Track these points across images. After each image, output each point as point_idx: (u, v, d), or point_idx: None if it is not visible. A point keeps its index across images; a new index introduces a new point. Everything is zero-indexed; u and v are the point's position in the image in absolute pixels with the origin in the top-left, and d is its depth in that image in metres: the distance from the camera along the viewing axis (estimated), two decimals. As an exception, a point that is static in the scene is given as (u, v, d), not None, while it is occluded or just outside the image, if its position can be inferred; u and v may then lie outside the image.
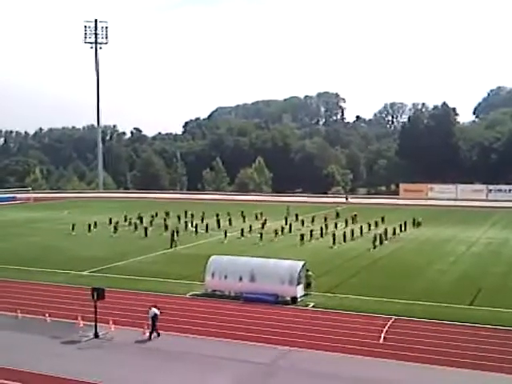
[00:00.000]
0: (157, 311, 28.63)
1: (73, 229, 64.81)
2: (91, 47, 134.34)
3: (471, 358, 25.36)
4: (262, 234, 58.19)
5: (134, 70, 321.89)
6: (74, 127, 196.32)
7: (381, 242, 54.88)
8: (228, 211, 75.19)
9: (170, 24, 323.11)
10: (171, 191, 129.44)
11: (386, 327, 29.60)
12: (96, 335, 28.32)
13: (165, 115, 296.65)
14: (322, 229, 61.12)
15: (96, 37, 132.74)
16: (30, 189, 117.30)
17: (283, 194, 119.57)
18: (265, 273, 35.54)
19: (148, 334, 28.25)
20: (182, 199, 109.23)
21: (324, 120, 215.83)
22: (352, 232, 59.37)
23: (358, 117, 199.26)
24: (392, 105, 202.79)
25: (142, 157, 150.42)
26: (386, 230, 59.16)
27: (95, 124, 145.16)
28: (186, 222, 69.36)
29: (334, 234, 56.73)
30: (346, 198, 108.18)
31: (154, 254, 51.66)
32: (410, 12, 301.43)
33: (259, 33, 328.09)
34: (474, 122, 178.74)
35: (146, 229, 63.31)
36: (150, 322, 28.53)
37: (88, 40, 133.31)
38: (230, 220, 70.39)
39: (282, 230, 61.67)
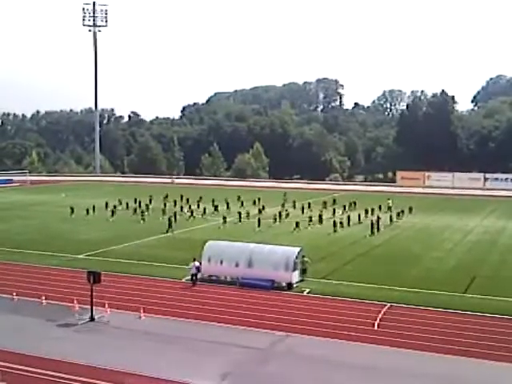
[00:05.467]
0: (198, 264, 35.51)
1: (72, 212, 64.84)
2: (90, 30, 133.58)
3: (465, 345, 25.53)
4: (259, 220, 58.26)
5: (132, 53, 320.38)
6: (71, 110, 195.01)
7: (378, 229, 55.02)
8: (225, 197, 75.20)
9: (169, 8, 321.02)
10: (168, 176, 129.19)
11: (381, 314, 29.76)
12: (92, 318, 28.40)
13: (163, 99, 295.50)
14: (320, 215, 61.22)
15: (94, 20, 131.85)
16: (26, 172, 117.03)
17: (281, 181, 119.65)
18: (261, 258, 35.63)
19: (192, 282, 35.08)
20: (180, 184, 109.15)
21: (322, 106, 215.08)
22: (349, 219, 59.47)
23: (356, 104, 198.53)
24: (391, 92, 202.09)
25: (140, 141, 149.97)
26: (381, 217, 59.24)
27: (93, 107, 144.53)
28: (181, 207, 69.39)
29: (334, 221, 56.89)
30: (172, 182, 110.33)
31: (150, 238, 51.72)
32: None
33: (259, 18, 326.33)
34: (472, 110, 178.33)
35: (142, 213, 63.38)
36: (194, 272, 35.13)
37: (87, 23, 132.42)
38: (227, 205, 70.44)
39: (280, 216, 61.73)
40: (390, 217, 61.48)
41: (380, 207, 68.55)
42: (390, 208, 68.94)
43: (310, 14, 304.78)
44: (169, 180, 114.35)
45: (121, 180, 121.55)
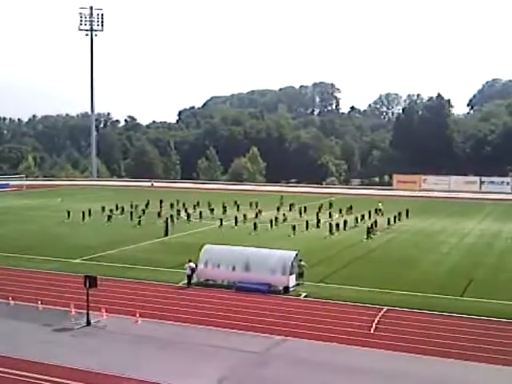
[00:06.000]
0: (193, 265, 36.06)
1: (68, 216, 64.75)
2: (86, 34, 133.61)
3: (462, 348, 25.54)
4: (255, 224, 58.23)
5: (128, 58, 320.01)
6: (67, 115, 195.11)
7: (374, 233, 55.03)
8: (222, 200, 75.16)
9: (165, 12, 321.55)
10: (165, 180, 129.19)
11: (377, 318, 29.75)
12: (88, 323, 28.34)
13: (159, 104, 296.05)
14: (318, 219, 61.23)
15: (91, 24, 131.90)
16: (23, 176, 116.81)
17: (278, 184, 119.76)
18: (258, 262, 35.61)
19: (186, 284, 35.83)
20: (176, 188, 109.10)
21: (319, 110, 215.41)
22: (345, 222, 59.48)
23: (352, 107, 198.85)
24: (387, 96, 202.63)
25: (136, 145, 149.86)
26: (377, 221, 59.30)
27: (89, 111, 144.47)
28: (178, 211, 69.35)
29: (330, 225, 56.91)
30: (152, 184, 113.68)
31: (147, 242, 51.64)
32: (406, 3, 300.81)
33: (255, 22, 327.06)
34: (468, 113, 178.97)
35: (139, 217, 63.29)
36: (188, 273, 35.79)
37: (83, 27, 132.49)
38: (224, 209, 70.38)
39: (277, 220, 61.70)
40: (388, 220, 61.46)
41: (376, 210, 68.70)
42: (380, 210, 69.01)
43: (307, 19, 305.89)
44: (148, 183, 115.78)
45: (117, 184, 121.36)
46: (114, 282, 36.48)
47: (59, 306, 31.19)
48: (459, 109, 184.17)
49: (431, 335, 27.14)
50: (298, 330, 27.78)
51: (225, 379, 22.51)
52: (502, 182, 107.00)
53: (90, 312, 28.64)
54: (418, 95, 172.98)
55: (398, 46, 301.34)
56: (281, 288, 34.70)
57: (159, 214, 65.79)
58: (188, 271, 36.01)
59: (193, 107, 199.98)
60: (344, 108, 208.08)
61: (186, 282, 36.19)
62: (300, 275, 36.20)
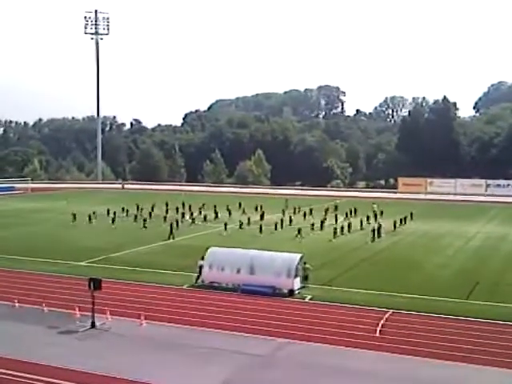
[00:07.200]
0: (202, 262, 36.79)
1: (74, 219, 64.90)
2: (92, 38, 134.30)
3: (467, 351, 25.40)
4: (261, 227, 58.21)
5: (134, 61, 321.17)
6: (73, 118, 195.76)
7: (379, 236, 54.93)
8: (227, 203, 75.18)
9: (170, 16, 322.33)
10: (170, 183, 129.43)
11: (383, 320, 29.64)
12: (93, 325, 28.33)
13: (164, 107, 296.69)
14: (322, 222, 61.18)
15: (96, 28, 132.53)
16: (28, 179, 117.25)
17: (283, 187, 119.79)
18: (262, 265, 35.55)
19: (195, 280, 36.90)
20: (181, 191, 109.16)
21: (324, 113, 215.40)
22: (350, 225, 59.40)
23: (358, 110, 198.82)
24: (392, 99, 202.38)
25: (142, 148, 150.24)
26: (382, 224, 59.15)
27: (95, 115, 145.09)
28: (183, 214, 69.40)
29: (335, 228, 56.84)
30: (122, 186, 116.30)
31: (152, 245, 51.69)
32: (412, 5, 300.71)
33: (260, 25, 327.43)
34: (474, 116, 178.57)
35: (144, 220, 63.38)
36: (198, 269, 36.96)
37: (89, 31, 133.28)
38: (229, 212, 70.38)
39: (282, 223, 61.66)
40: (394, 223, 61.28)
41: (382, 213, 68.57)
42: (375, 212, 68.70)
43: (312, 22, 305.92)
44: (119, 185, 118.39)
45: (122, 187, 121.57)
46: (118, 284, 36.49)
47: (64, 309, 31.20)
48: (465, 112, 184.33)
49: (436, 338, 27.03)
50: (303, 333, 27.68)
51: (229, 382, 22.47)
52: (508, 185, 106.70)
53: (95, 314, 28.65)
54: (424, 98, 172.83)
55: (403, 49, 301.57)
56: (286, 291, 34.64)
57: (164, 217, 65.86)
58: (198, 268, 37.32)
59: (198, 110, 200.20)
60: (349, 111, 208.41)
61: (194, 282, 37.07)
62: (305, 278, 36.13)
